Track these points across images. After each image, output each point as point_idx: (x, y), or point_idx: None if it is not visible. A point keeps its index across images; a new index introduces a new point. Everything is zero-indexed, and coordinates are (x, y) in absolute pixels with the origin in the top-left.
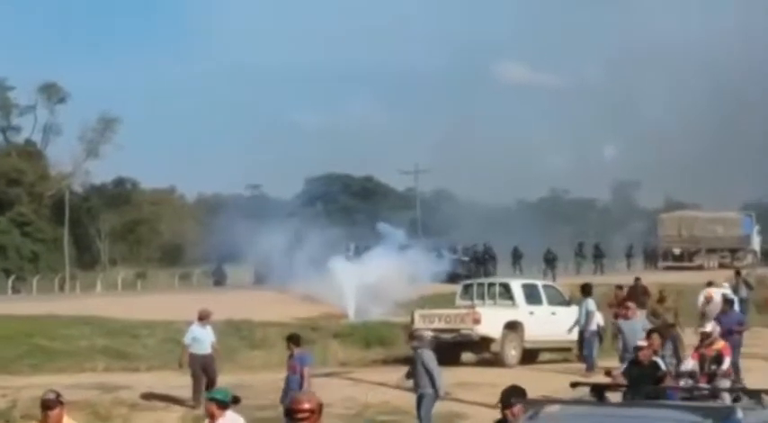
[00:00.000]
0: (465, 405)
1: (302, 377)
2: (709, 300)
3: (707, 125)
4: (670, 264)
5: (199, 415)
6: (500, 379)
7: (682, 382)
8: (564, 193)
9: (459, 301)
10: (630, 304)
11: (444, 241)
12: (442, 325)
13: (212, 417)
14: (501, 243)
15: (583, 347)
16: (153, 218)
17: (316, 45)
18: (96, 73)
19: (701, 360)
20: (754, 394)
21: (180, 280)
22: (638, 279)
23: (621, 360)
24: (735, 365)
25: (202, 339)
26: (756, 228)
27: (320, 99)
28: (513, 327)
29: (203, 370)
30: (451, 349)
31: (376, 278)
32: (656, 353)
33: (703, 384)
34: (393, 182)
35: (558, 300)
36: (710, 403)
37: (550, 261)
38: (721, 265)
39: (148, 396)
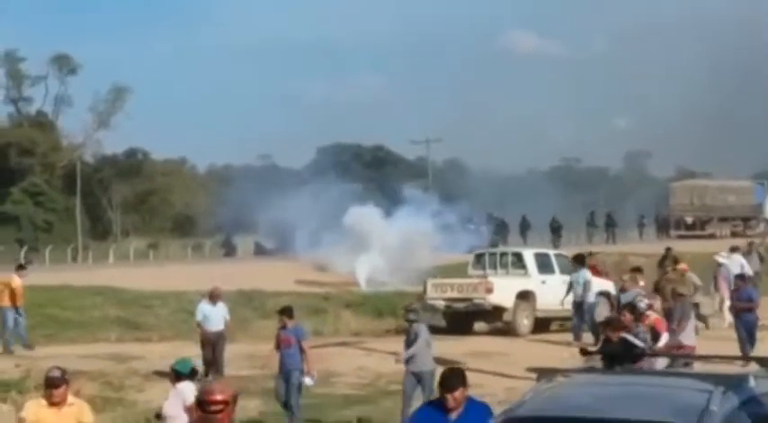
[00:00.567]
0: (477, 374)
1: (302, 351)
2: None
3: (719, 94)
4: (682, 232)
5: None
6: (512, 348)
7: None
8: (576, 161)
9: (471, 271)
10: (625, 276)
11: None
12: (454, 294)
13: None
14: (513, 212)
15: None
16: (164, 189)
17: (326, 17)
18: (107, 44)
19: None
20: (766, 362)
21: (192, 251)
22: (668, 249)
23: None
24: (751, 340)
25: (212, 317)
26: None
27: (330, 70)
28: (525, 296)
29: (212, 346)
30: (464, 318)
31: (401, 242)
32: (628, 330)
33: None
34: (404, 151)
35: (571, 269)
36: (722, 371)
37: (556, 229)
38: (733, 234)
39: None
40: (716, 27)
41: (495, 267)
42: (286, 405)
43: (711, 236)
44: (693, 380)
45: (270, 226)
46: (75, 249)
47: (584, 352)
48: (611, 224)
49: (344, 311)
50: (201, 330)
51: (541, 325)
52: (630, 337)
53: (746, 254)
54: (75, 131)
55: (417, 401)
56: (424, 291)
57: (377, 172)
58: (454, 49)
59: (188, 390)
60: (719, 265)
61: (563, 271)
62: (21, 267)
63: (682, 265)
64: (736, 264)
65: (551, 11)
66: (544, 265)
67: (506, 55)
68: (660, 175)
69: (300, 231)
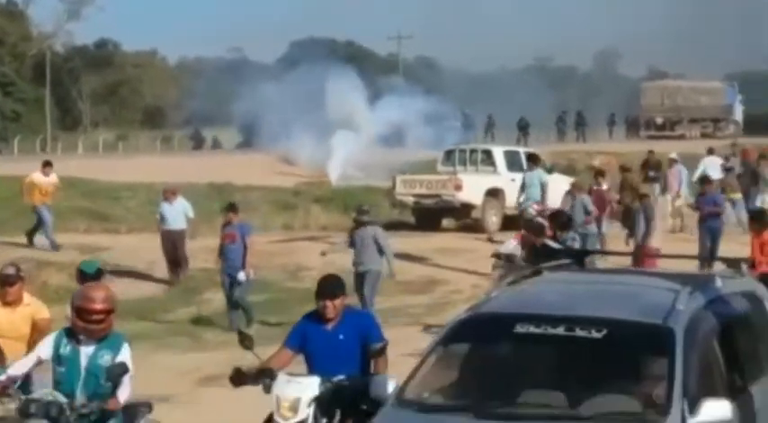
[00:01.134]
0: (445, 270)
1: (245, 247)
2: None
3: None
4: (652, 133)
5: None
6: (480, 245)
7: (495, 271)
8: (548, 61)
9: (440, 167)
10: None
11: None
12: (423, 191)
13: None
14: (483, 111)
15: None
16: (135, 80)
17: None
18: None
19: (524, 242)
20: (733, 263)
21: (161, 143)
22: (651, 152)
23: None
24: (713, 247)
25: (168, 216)
26: (739, 97)
27: None
28: (494, 193)
29: (173, 245)
30: (432, 215)
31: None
32: (555, 239)
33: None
34: (375, 47)
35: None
36: (691, 271)
37: (523, 128)
38: (703, 135)
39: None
40: None
41: (464, 164)
42: (231, 301)
43: (681, 137)
44: (660, 279)
45: (243, 118)
46: (43, 140)
47: (496, 255)
48: (581, 123)
49: (314, 206)
50: (160, 229)
51: (510, 222)
52: (551, 243)
53: (731, 155)
54: (46, 21)
55: None
56: (393, 187)
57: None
58: None
59: None
60: (673, 162)
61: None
62: (46, 164)
63: None
64: (715, 166)
65: None
66: (514, 162)
67: None
68: (632, 74)
69: (273, 122)
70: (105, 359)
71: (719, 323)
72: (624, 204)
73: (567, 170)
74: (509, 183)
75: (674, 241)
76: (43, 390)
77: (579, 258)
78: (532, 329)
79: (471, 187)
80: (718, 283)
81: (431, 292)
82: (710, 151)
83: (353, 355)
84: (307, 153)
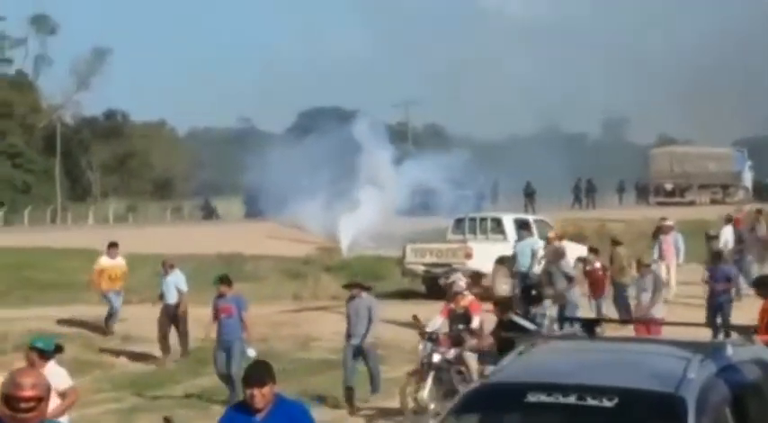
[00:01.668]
0: None
1: (242, 321)
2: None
3: (699, 61)
4: (661, 199)
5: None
6: (490, 313)
7: (420, 346)
8: (555, 128)
9: (450, 236)
10: (552, 236)
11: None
12: (433, 259)
13: (32, 366)
14: (493, 178)
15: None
16: (144, 151)
17: None
18: (87, 4)
19: (451, 317)
20: (743, 330)
21: (171, 213)
22: (663, 219)
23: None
24: (725, 322)
25: (165, 289)
26: (748, 164)
27: (310, 32)
28: (504, 261)
29: (171, 320)
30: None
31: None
32: (526, 315)
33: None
34: (383, 116)
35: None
36: (701, 339)
37: (530, 195)
38: (713, 201)
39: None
40: None
41: (474, 232)
42: (227, 378)
43: (691, 203)
44: (672, 347)
45: (253, 187)
46: (54, 211)
47: (422, 334)
48: (591, 190)
49: (324, 275)
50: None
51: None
52: (518, 319)
53: (756, 222)
54: (55, 93)
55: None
56: (403, 256)
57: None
58: (434, 11)
59: (56, 373)
60: (669, 229)
61: (542, 236)
62: (112, 246)
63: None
64: (727, 236)
65: None
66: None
67: (486, 19)
68: (641, 141)
69: (284, 190)
70: None
71: (731, 391)
72: (612, 281)
73: (577, 237)
74: None
75: (675, 308)
76: None
77: (590, 327)
78: (543, 398)
79: (481, 255)
80: (729, 350)
81: None
82: (729, 220)
83: None
84: (318, 221)
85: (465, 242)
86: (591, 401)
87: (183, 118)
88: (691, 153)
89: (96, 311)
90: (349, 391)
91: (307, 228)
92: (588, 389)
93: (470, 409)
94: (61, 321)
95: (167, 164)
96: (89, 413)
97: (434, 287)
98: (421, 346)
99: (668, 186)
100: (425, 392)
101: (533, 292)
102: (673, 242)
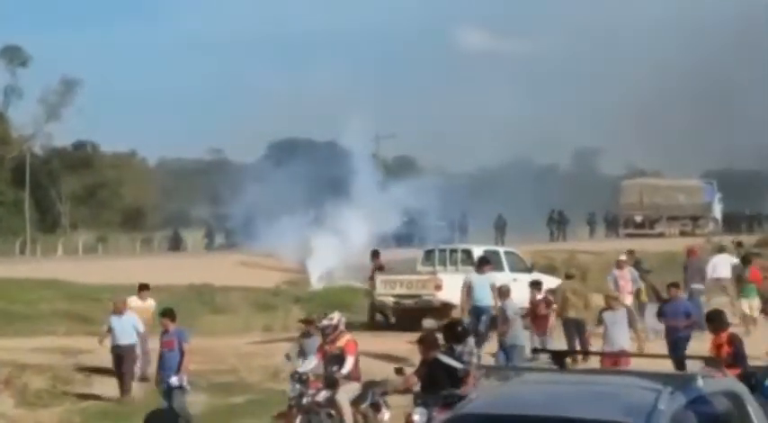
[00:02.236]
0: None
1: (182, 354)
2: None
3: (669, 94)
4: (631, 231)
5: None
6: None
7: (289, 387)
8: (527, 160)
9: (420, 267)
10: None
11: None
12: (403, 290)
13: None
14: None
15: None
16: (114, 182)
17: (279, 12)
18: (58, 36)
19: (326, 359)
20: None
21: (141, 244)
22: (630, 252)
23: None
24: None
25: (117, 329)
26: (718, 195)
27: (281, 64)
28: None
29: (118, 362)
30: (412, 315)
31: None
32: (451, 352)
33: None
34: (354, 148)
35: (520, 266)
36: (672, 371)
37: (500, 227)
38: (682, 233)
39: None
40: (663, 27)
41: (444, 264)
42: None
43: (661, 235)
44: (642, 379)
45: (223, 218)
46: (23, 242)
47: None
48: (562, 222)
49: (294, 306)
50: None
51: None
52: (444, 357)
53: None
54: (25, 123)
55: None
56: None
57: (328, 168)
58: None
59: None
60: (623, 264)
61: (512, 268)
62: (142, 288)
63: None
64: (725, 264)
65: (501, 9)
66: (493, 262)
67: (457, 51)
68: (610, 172)
69: (250, 228)
70: None
71: None
72: (563, 317)
73: (547, 269)
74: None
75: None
76: None
77: (559, 359)
78: None
79: (451, 287)
80: (700, 382)
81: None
82: (721, 249)
83: None
84: (289, 251)
85: (435, 273)
86: None
87: (154, 148)
88: (661, 185)
89: (65, 343)
90: None
91: (280, 257)
92: (560, 420)
93: None
94: (31, 351)
95: (137, 194)
96: None
97: (404, 318)
98: (290, 387)
99: (638, 218)
100: None
101: (459, 329)
102: (630, 278)
